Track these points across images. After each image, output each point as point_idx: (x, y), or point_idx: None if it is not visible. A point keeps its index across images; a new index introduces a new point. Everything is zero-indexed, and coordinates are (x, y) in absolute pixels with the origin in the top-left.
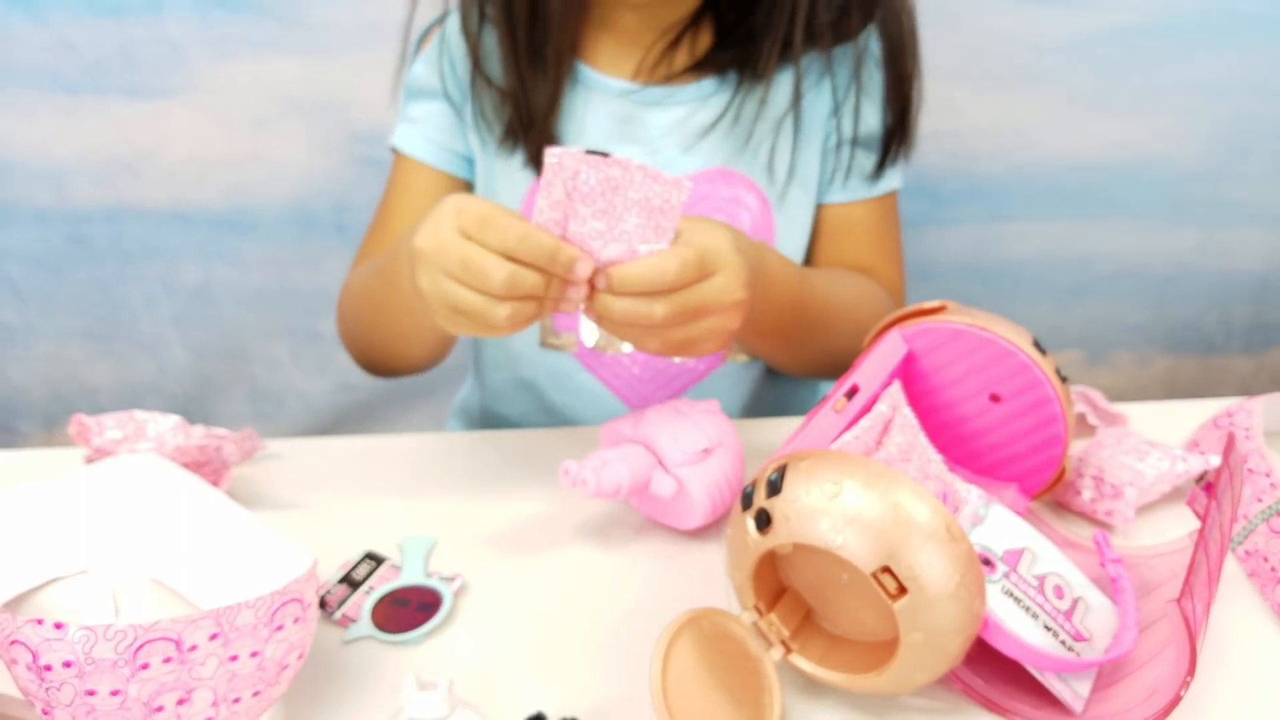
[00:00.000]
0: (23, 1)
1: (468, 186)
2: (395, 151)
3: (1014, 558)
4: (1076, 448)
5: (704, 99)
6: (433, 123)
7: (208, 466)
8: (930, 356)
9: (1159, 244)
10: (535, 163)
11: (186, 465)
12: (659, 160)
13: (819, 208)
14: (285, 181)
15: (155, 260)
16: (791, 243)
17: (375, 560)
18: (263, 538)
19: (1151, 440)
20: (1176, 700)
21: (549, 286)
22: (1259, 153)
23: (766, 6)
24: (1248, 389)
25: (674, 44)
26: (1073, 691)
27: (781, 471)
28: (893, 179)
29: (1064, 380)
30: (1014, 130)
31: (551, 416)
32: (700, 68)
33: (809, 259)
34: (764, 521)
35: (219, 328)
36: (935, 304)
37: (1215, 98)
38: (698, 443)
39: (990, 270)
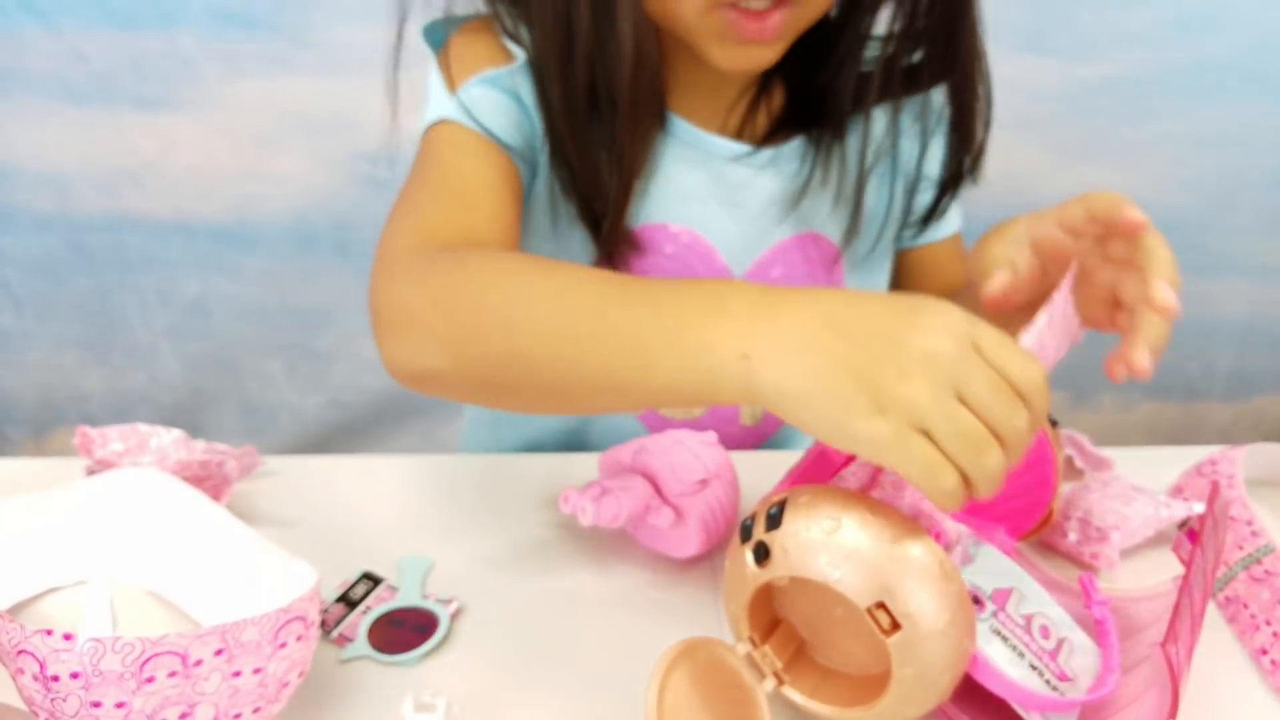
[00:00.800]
0: (36, 10)
1: (519, 182)
2: (442, 123)
3: (1002, 597)
4: (1063, 491)
5: (797, 158)
6: (509, 121)
7: (208, 481)
8: None
9: None
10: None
11: (187, 479)
12: (756, 226)
13: (898, 253)
14: (288, 198)
15: (154, 271)
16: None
17: (372, 580)
18: (265, 554)
19: (1137, 485)
20: None
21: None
22: (1245, 205)
23: (838, 61)
24: (1228, 436)
25: (754, 103)
26: None
27: (781, 506)
28: (954, 220)
29: (1054, 424)
30: (1006, 176)
31: (570, 441)
32: (782, 126)
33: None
34: (762, 554)
35: (213, 340)
36: None
37: (1203, 150)
38: (695, 473)
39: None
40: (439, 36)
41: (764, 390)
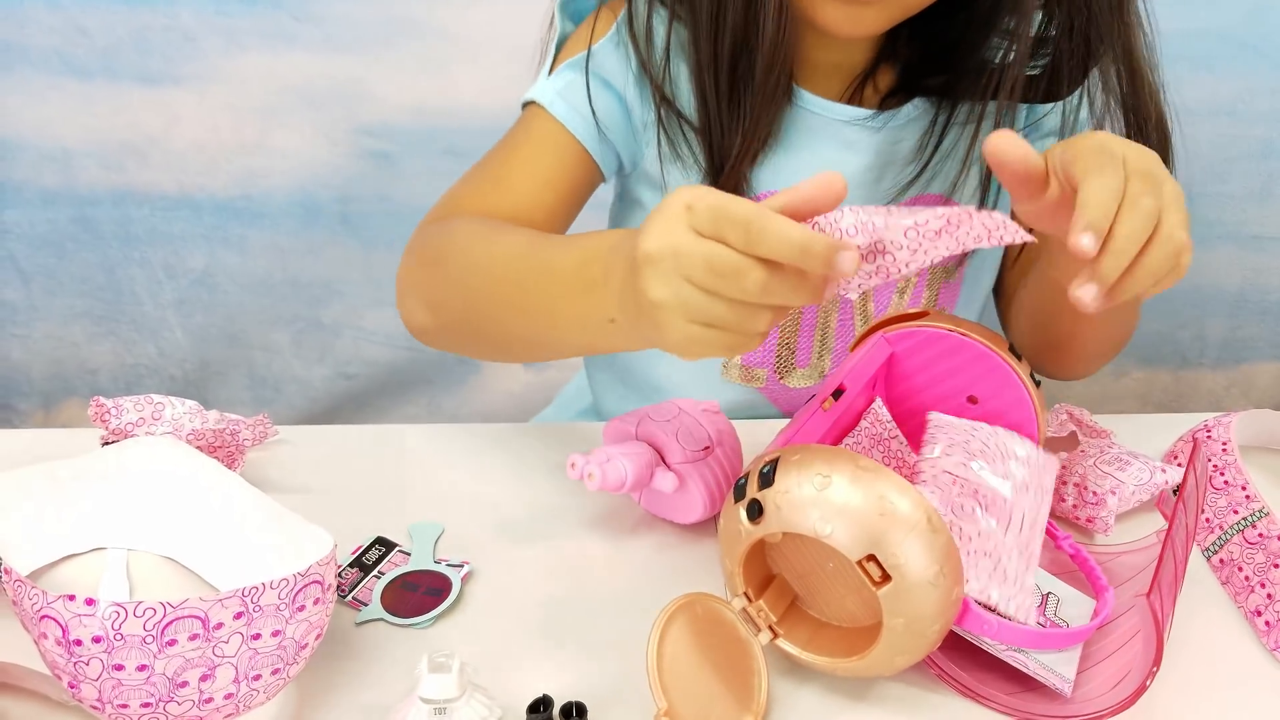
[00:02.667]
0: None
1: (599, 175)
2: (533, 105)
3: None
4: (1061, 457)
5: (915, 119)
6: (599, 109)
7: (222, 450)
8: (912, 359)
9: None
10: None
11: (201, 449)
12: (884, 187)
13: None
14: (292, 172)
15: (160, 245)
16: (987, 252)
17: (385, 545)
18: (280, 520)
19: (1132, 451)
20: (1142, 689)
21: (801, 290)
22: (1236, 174)
23: (959, 33)
24: (1219, 403)
25: (868, 76)
26: (1060, 676)
27: (773, 464)
28: None
29: (1037, 384)
30: None
31: None
32: (904, 90)
33: (1004, 264)
34: (755, 511)
35: (220, 313)
36: (917, 310)
37: (1195, 119)
38: (699, 440)
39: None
40: (575, 9)
41: (631, 343)
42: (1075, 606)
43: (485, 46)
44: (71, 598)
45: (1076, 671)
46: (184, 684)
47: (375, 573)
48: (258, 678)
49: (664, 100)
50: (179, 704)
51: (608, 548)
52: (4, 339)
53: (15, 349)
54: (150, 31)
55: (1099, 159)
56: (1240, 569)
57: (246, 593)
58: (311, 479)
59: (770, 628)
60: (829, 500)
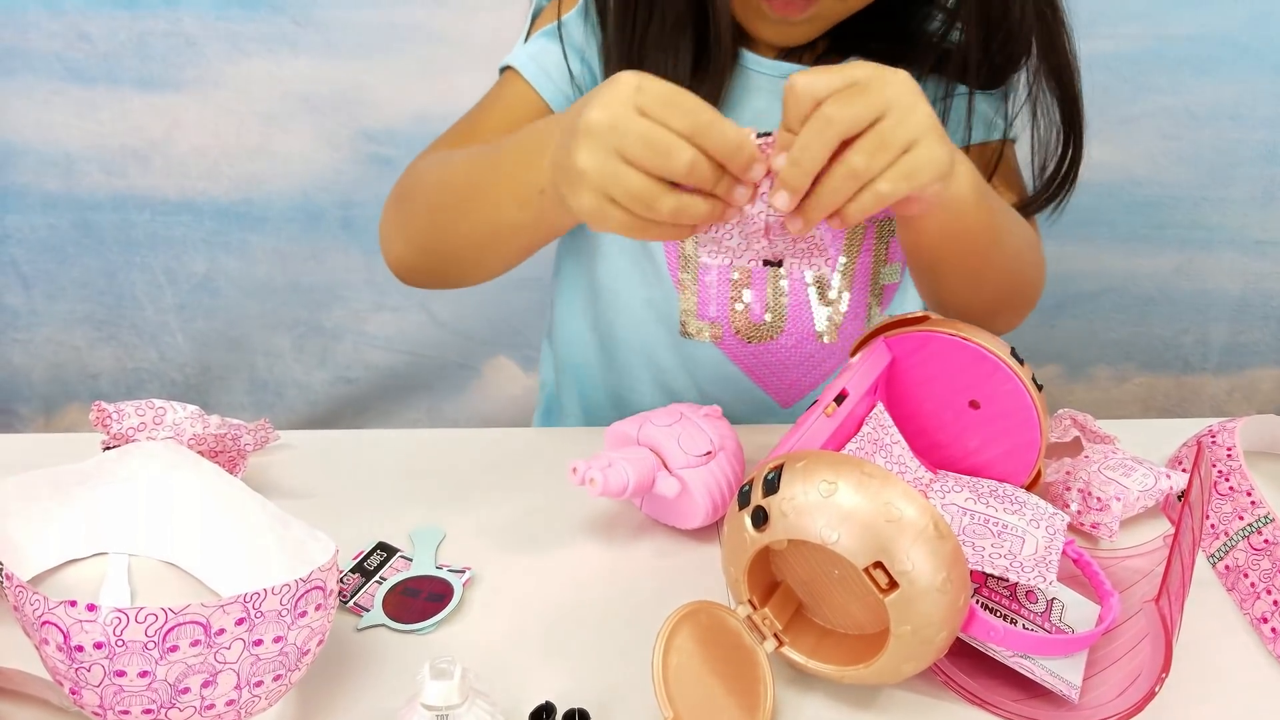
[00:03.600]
0: None
1: None
2: (509, 70)
3: (980, 574)
4: (1065, 463)
5: None
6: (563, 73)
7: (223, 455)
8: (913, 364)
9: (1140, 265)
10: None
11: (203, 453)
12: None
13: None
14: (293, 176)
15: (161, 249)
16: None
17: (387, 551)
18: (282, 525)
19: (1137, 457)
20: (1151, 695)
21: (720, 183)
22: (1239, 178)
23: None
24: (1222, 409)
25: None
26: (1066, 682)
27: (778, 471)
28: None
29: (1039, 388)
30: None
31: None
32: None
33: None
34: (761, 519)
35: (222, 318)
36: (918, 314)
37: (1198, 124)
38: (700, 445)
39: None
40: None
41: (558, 216)
42: (1079, 612)
43: (486, 52)
44: (73, 603)
45: (1083, 677)
46: (186, 690)
47: (377, 578)
48: (259, 684)
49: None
50: (181, 710)
51: (609, 553)
52: (5, 344)
53: (16, 354)
54: (152, 37)
55: (829, 79)
56: (1245, 575)
57: (248, 598)
58: (313, 484)
59: (775, 635)
60: (835, 507)
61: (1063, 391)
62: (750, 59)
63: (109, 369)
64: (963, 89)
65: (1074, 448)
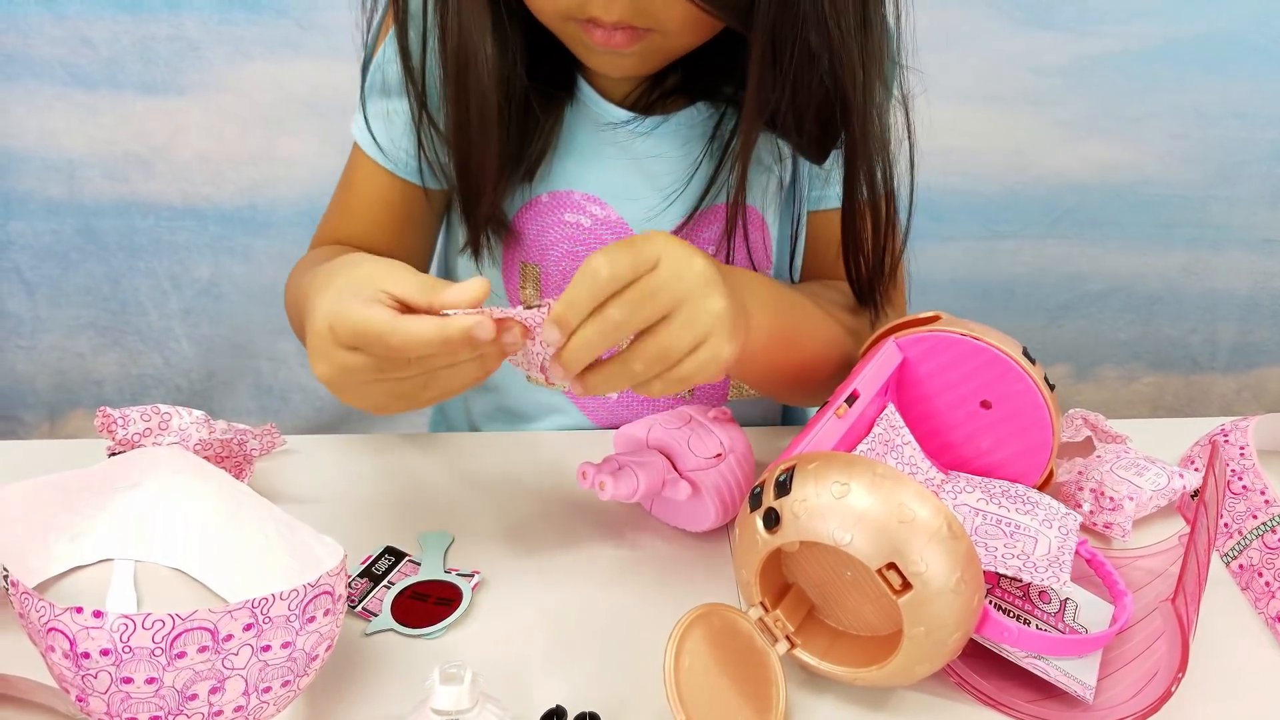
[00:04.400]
0: None
1: (430, 195)
2: (356, 145)
3: (993, 574)
4: (1078, 463)
5: (700, 122)
6: (397, 123)
7: (230, 460)
8: (924, 364)
9: (1148, 264)
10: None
11: (209, 459)
12: (661, 194)
13: (809, 215)
14: (297, 181)
15: (165, 255)
16: (787, 254)
17: (395, 555)
18: (289, 530)
19: (1149, 456)
20: (1167, 695)
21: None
22: (1247, 177)
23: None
24: (1230, 408)
25: (657, 80)
26: (1080, 683)
27: (790, 472)
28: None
29: (1051, 388)
30: (1011, 150)
31: None
32: (687, 93)
33: (803, 267)
34: (773, 520)
35: (226, 323)
36: (929, 314)
37: (1206, 123)
38: (711, 448)
39: (985, 285)
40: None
41: None
42: (1093, 612)
43: None
44: (79, 610)
45: (1097, 678)
46: (193, 697)
47: (385, 583)
48: (268, 690)
49: (421, 105)
50: (188, 717)
51: (619, 556)
52: (9, 350)
53: (20, 360)
54: (155, 41)
55: (608, 263)
56: (1260, 574)
57: (256, 604)
58: (320, 489)
59: (788, 638)
60: (848, 508)
61: (1071, 391)
62: (587, 92)
63: (113, 375)
64: None
65: (1086, 447)
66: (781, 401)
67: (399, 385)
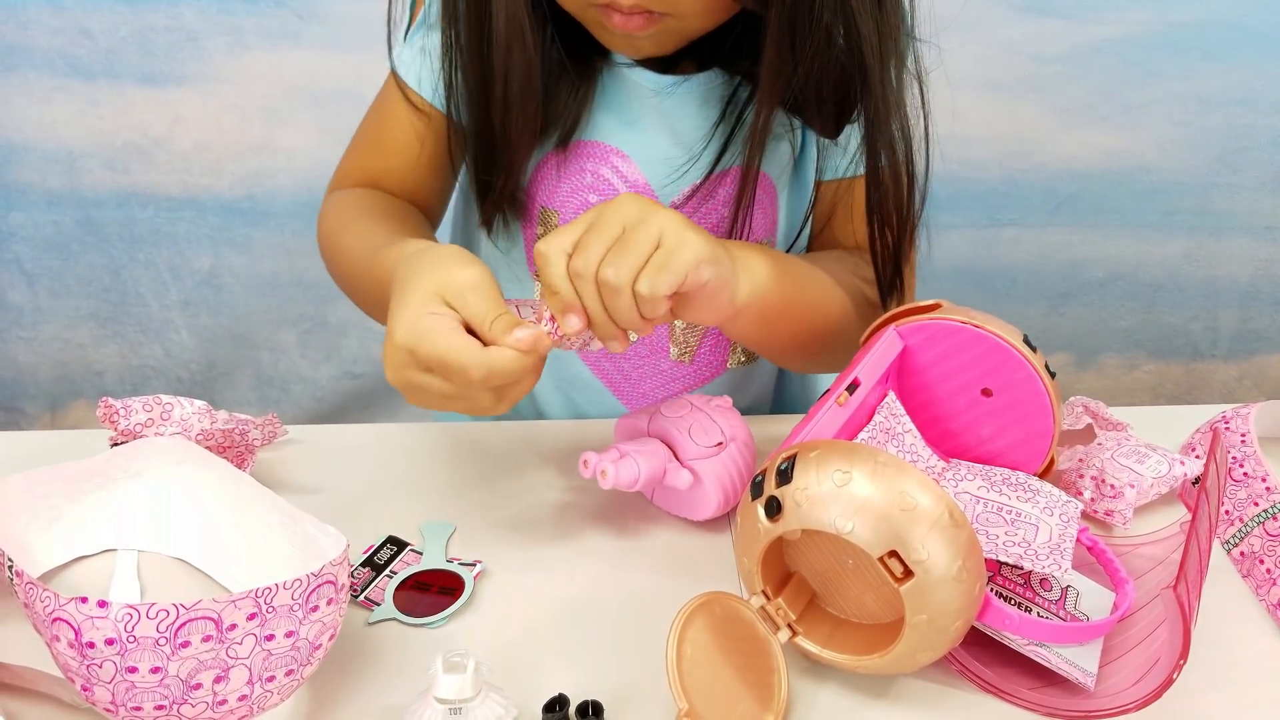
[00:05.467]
0: None
1: (459, 136)
2: (394, 74)
3: (994, 562)
4: (1078, 450)
5: (716, 87)
6: (438, 58)
7: (232, 451)
8: (925, 352)
9: (1149, 251)
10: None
11: (211, 449)
12: (684, 152)
13: (816, 184)
14: (297, 171)
15: (165, 246)
16: (796, 222)
17: (397, 545)
18: (293, 519)
19: (1150, 444)
20: (1169, 682)
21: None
22: (1248, 164)
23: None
24: (1232, 395)
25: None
26: (1082, 670)
27: (791, 461)
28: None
29: (1052, 375)
30: (1011, 137)
31: (537, 405)
32: (705, 58)
33: (812, 236)
34: (774, 509)
35: (226, 314)
36: (930, 302)
37: (1206, 109)
38: (712, 436)
39: (986, 273)
40: None
41: None
42: (1094, 599)
43: None
44: (84, 600)
45: (1099, 665)
46: (198, 686)
47: (387, 572)
48: (271, 679)
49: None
50: (193, 706)
51: (621, 545)
52: (10, 342)
53: (21, 351)
54: (153, 32)
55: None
56: (1261, 561)
57: (260, 593)
58: (322, 478)
59: (789, 626)
60: (849, 496)
61: (1072, 379)
62: (616, 56)
63: (114, 366)
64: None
65: (1086, 435)
66: (786, 367)
67: (472, 404)
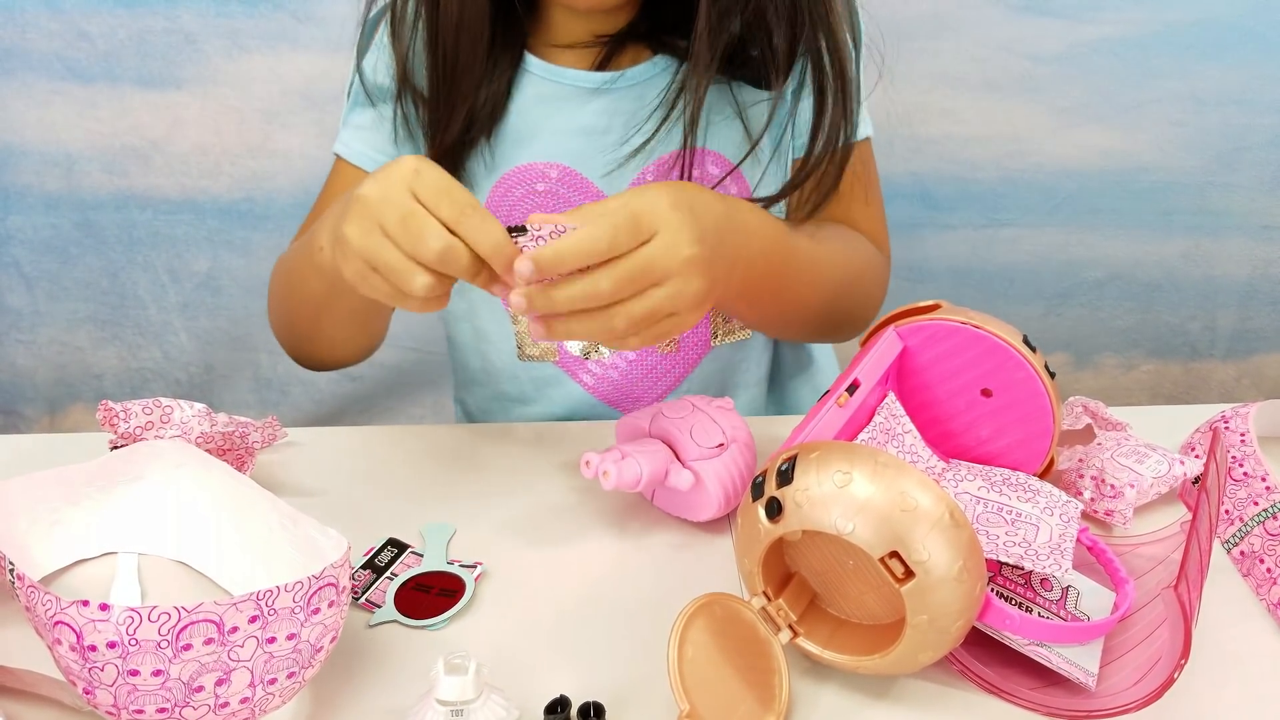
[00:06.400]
0: None
1: None
2: (337, 157)
3: (994, 562)
4: (1078, 451)
5: (655, 76)
6: (382, 131)
7: (232, 453)
8: (924, 353)
9: (1147, 251)
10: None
11: (211, 452)
12: (626, 149)
13: (794, 162)
14: (295, 173)
15: (163, 248)
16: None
17: (397, 547)
18: (294, 522)
19: (1150, 443)
20: (1170, 682)
21: (478, 275)
22: (1246, 164)
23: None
24: (1230, 395)
25: (619, 40)
26: (1083, 670)
27: (792, 462)
28: (863, 127)
29: (1052, 376)
30: (1009, 138)
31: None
32: (642, 45)
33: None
34: (775, 510)
35: (225, 316)
36: (929, 303)
37: (1204, 109)
38: (714, 437)
39: (984, 274)
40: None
41: (337, 273)
42: (1095, 599)
43: None
44: (86, 603)
45: (1099, 665)
46: (199, 689)
47: (388, 574)
48: (273, 681)
49: (403, 75)
50: (194, 709)
51: (622, 546)
52: (9, 345)
53: (20, 355)
54: (151, 34)
55: (612, 219)
56: (1261, 560)
57: (261, 596)
58: (322, 481)
59: (790, 626)
60: (850, 497)
61: (1070, 379)
62: (534, 64)
63: (113, 369)
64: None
65: (1086, 435)
66: (776, 336)
67: (402, 280)
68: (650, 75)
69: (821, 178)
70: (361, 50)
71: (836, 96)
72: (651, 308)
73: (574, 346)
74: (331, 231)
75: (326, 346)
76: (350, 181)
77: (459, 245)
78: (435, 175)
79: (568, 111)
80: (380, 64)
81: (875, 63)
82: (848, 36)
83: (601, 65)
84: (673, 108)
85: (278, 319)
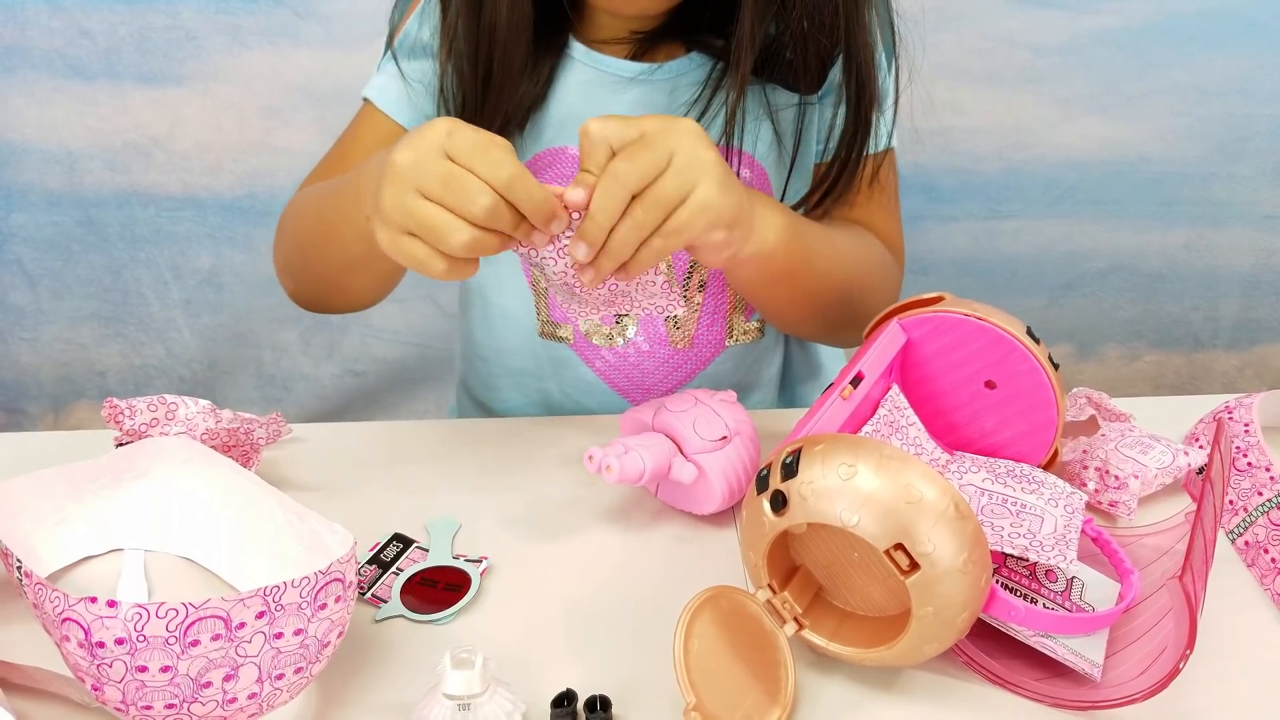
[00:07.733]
0: None
1: None
2: (366, 101)
3: (999, 554)
4: (1082, 442)
5: (690, 72)
6: (416, 88)
7: (236, 449)
8: (928, 345)
9: (1150, 242)
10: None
11: (216, 448)
12: None
13: (815, 166)
14: (297, 170)
15: (166, 245)
16: (791, 202)
17: (403, 542)
18: (300, 517)
19: (1154, 434)
20: (1175, 672)
21: (519, 228)
22: (1249, 154)
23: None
24: (1233, 385)
25: (659, 33)
26: (1088, 661)
27: (796, 455)
28: (888, 137)
29: (1056, 367)
30: (1012, 129)
31: (546, 410)
32: (676, 42)
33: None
34: (780, 503)
35: (228, 313)
36: (933, 295)
37: (1206, 100)
38: (717, 430)
39: (987, 265)
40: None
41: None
42: (1100, 590)
43: None
44: (93, 600)
45: (1105, 656)
46: (208, 684)
47: (394, 569)
48: (281, 677)
49: (450, 49)
50: (203, 704)
51: (627, 540)
52: (12, 343)
53: (24, 352)
54: (152, 31)
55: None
56: (1266, 550)
57: (268, 591)
58: (327, 476)
59: (796, 619)
60: (855, 490)
61: (1073, 370)
62: (578, 50)
63: (116, 366)
64: (814, 100)
65: (1090, 426)
66: (786, 330)
67: (443, 223)
68: (685, 70)
69: (843, 184)
70: (401, 11)
71: (866, 105)
72: (658, 194)
73: (583, 325)
74: (371, 200)
75: (347, 299)
76: (377, 128)
77: (503, 204)
78: (469, 135)
79: (602, 99)
80: (426, 24)
81: (907, 66)
82: (880, 50)
83: (636, 58)
84: (708, 106)
85: (292, 264)
